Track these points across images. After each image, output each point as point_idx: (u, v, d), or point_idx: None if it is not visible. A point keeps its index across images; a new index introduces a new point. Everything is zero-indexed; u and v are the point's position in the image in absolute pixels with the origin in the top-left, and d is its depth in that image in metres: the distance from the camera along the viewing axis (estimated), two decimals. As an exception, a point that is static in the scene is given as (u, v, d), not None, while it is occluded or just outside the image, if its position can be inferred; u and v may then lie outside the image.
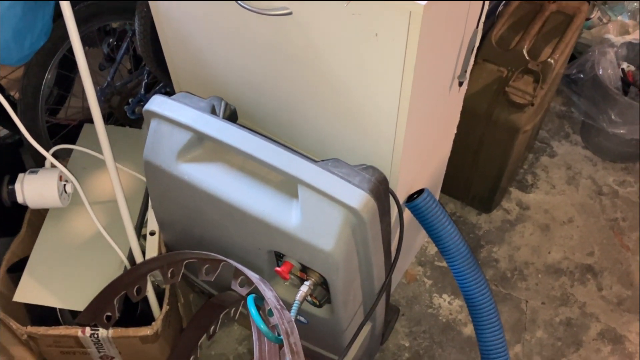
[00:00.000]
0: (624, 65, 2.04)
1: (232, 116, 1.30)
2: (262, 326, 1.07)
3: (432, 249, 1.93)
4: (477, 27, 1.18)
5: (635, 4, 2.11)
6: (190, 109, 1.17)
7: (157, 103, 1.19)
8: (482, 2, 1.14)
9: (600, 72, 1.96)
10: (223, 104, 1.27)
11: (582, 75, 2.02)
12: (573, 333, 1.75)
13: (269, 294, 1.10)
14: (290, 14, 1.06)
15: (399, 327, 1.76)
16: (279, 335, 1.09)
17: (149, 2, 1.35)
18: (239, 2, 1.08)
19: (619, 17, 2.13)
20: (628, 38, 2.07)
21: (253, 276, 1.14)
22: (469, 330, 1.76)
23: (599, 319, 1.78)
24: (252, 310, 1.08)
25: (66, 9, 1.18)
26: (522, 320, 1.78)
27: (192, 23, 1.28)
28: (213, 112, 1.21)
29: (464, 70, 1.26)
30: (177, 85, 1.52)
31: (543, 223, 1.99)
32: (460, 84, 1.29)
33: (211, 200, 1.16)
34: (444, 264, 1.89)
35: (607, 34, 2.11)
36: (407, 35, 0.95)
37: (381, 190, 1.11)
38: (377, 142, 1.19)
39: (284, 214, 1.10)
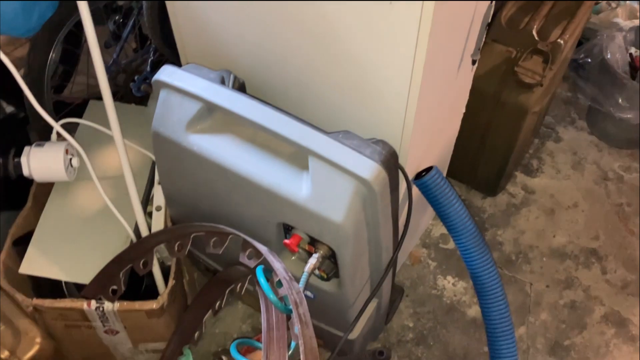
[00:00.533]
0: (632, 50, 2.03)
1: (241, 89, 1.29)
2: (272, 296, 1.07)
3: (437, 231, 1.93)
4: (490, 1, 1.17)
5: (645, -12, 2.10)
6: (200, 79, 1.17)
7: (167, 73, 1.18)
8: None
9: (609, 57, 1.95)
10: (232, 76, 1.26)
11: (589, 60, 2.02)
12: (577, 316, 1.76)
13: (277, 265, 1.10)
14: (303, -17, 1.05)
15: (403, 308, 1.76)
16: (287, 306, 1.09)
17: (158, -26, 1.34)
18: (252, -30, 1.07)
19: (628, 2, 2.12)
20: (637, 22, 2.06)
21: (262, 248, 1.14)
22: (473, 311, 1.76)
23: (603, 302, 1.79)
24: (262, 280, 1.08)
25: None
26: (527, 303, 1.78)
27: (202, -5, 1.27)
28: (222, 83, 1.20)
29: (478, 48, 1.25)
30: (185, 59, 1.51)
31: (548, 207, 1.99)
32: (474, 62, 1.28)
33: (220, 171, 1.15)
34: (448, 246, 1.89)
35: (616, 18, 2.10)
36: (422, 3, 0.94)
37: (392, 163, 1.10)
38: (387, 117, 1.18)
39: (294, 186, 1.10)
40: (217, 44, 1.36)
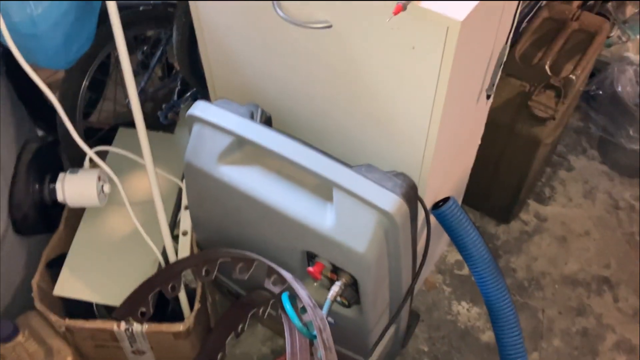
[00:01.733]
0: (643, 83, 2.08)
1: (267, 122, 1.36)
2: (297, 322, 1.12)
3: (452, 257, 1.97)
4: (506, 42, 1.24)
5: (654, 23, 2.16)
6: (231, 114, 1.24)
7: (201, 108, 1.25)
8: (512, 19, 1.19)
9: (620, 89, 2.00)
10: (260, 110, 1.33)
11: (600, 92, 2.07)
12: (589, 343, 1.79)
13: (302, 292, 1.16)
14: (330, 27, 1.12)
15: (418, 333, 1.80)
16: (310, 331, 1.14)
17: (190, 10, 1.41)
18: (281, 14, 1.14)
19: (638, 36, 2.18)
20: (646, 56, 2.11)
21: (287, 275, 1.20)
22: (486, 337, 1.80)
23: (615, 329, 1.82)
24: (288, 306, 1.13)
25: (114, 15, 1.25)
26: (539, 329, 1.82)
27: (232, 33, 1.35)
28: (251, 117, 1.27)
29: (492, 84, 1.31)
30: (213, 92, 1.59)
31: (560, 235, 2.03)
32: (488, 97, 1.35)
33: (249, 201, 1.22)
34: (463, 272, 1.94)
35: (627, 52, 2.16)
36: (444, 49, 1.01)
37: (412, 195, 1.16)
38: (407, 151, 1.24)
39: (319, 216, 1.16)
40: (245, 78, 1.43)
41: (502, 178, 1.89)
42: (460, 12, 0.96)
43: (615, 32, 2.22)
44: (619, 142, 2.02)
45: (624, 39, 2.21)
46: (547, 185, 2.17)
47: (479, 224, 2.06)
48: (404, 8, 0.95)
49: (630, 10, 2.20)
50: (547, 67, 1.66)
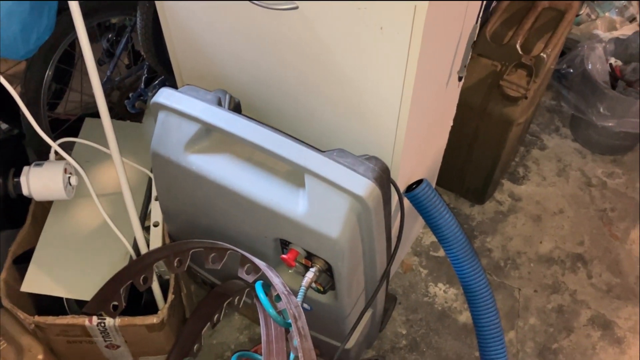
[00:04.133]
0: (612, 60, 2.10)
1: (236, 108, 1.33)
2: (271, 310, 1.10)
3: (427, 239, 1.98)
4: (476, 22, 1.23)
5: (623, 1, 2.17)
6: (197, 101, 1.20)
7: (165, 95, 1.22)
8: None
9: (590, 67, 2.01)
10: (228, 96, 1.30)
11: (571, 70, 2.08)
12: (564, 319, 1.81)
13: (276, 280, 1.14)
14: (296, 8, 1.10)
15: (396, 315, 1.80)
16: (286, 320, 1.13)
17: (154, -3, 1.37)
18: (247, -4, 1.11)
19: (607, 14, 2.19)
20: (615, 34, 2.12)
21: (260, 263, 1.18)
22: (464, 317, 1.81)
23: (589, 305, 1.84)
24: (261, 295, 1.12)
25: (74, 5, 1.21)
26: (516, 308, 1.83)
27: (197, 17, 1.31)
28: (219, 104, 1.24)
29: (464, 65, 1.30)
30: (180, 79, 1.55)
31: (534, 214, 2.05)
32: (460, 78, 1.33)
33: (219, 190, 1.19)
34: (439, 253, 1.94)
35: (596, 29, 2.16)
36: (412, 29, 0.99)
37: (384, 179, 1.15)
38: (379, 134, 1.23)
39: (291, 203, 1.14)
40: (212, 63, 1.39)
41: (475, 159, 1.89)
42: (427, -10, 0.94)
43: (585, 10, 2.22)
44: (590, 120, 2.03)
45: (592, 16, 2.22)
46: (521, 164, 2.18)
47: (454, 205, 2.06)
48: (370, -13, 0.93)
49: (599, -13, 2.21)
50: (518, 46, 1.66)
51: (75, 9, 1.20)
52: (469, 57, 1.33)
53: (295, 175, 1.15)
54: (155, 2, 1.37)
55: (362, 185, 1.09)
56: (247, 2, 1.12)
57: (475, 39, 1.28)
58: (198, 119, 1.18)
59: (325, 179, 1.10)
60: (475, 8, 1.21)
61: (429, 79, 1.17)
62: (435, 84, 1.26)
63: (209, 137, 1.21)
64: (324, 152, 1.14)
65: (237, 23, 1.23)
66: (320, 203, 1.11)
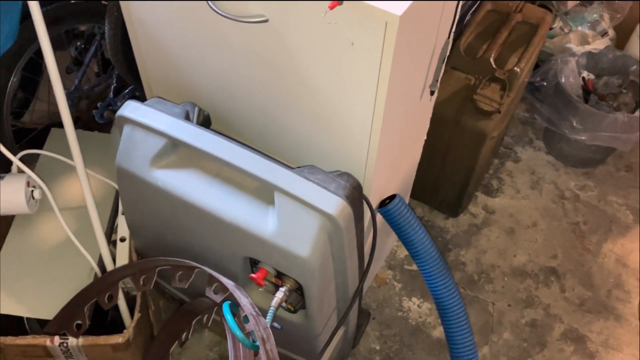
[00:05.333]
0: (585, 74, 2.11)
1: (205, 122, 1.30)
2: (239, 333, 1.07)
3: (401, 252, 1.96)
4: (448, 37, 1.21)
5: (595, 15, 2.19)
6: (164, 115, 1.17)
7: (131, 109, 1.18)
8: (454, 13, 1.17)
9: (563, 81, 2.02)
10: (197, 109, 1.26)
11: (545, 83, 2.09)
12: (538, 334, 1.81)
13: (244, 300, 1.11)
14: (266, 21, 1.07)
15: (369, 331, 1.78)
16: (254, 341, 1.09)
17: (120, 5, 1.33)
18: (215, 9, 1.08)
19: (580, 28, 2.21)
20: (588, 48, 2.14)
21: (228, 283, 1.14)
22: (438, 332, 1.79)
23: (562, 319, 1.84)
24: (228, 317, 1.08)
25: (35, 11, 1.16)
26: (490, 322, 1.82)
27: (165, 27, 1.27)
28: (187, 118, 1.21)
29: (436, 80, 1.29)
30: (149, 89, 1.51)
31: (508, 227, 2.04)
32: (432, 92, 1.32)
33: (186, 206, 1.16)
34: (413, 267, 1.92)
35: (569, 43, 2.18)
36: (383, 44, 0.97)
37: (356, 196, 1.13)
38: (351, 149, 1.20)
39: (260, 221, 1.11)
40: (181, 74, 1.36)
41: (449, 172, 1.88)
42: (398, 6, 0.92)
43: (558, 24, 2.23)
44: (563, 133, 2.03)
45: (565, 30, 2.23)
46: (495, 177, 2.18)
47: (428, 218, 2.05)
48: (340, 2, 0.91)
49: (571, 1, 2.22)
50: (491, 60, 1.65)
51: (36, 13, 1.16)
52: (442, 71, 1.31)
53: (264, 192, 1.13)
54: (123, 12, 1.34)
55: (333, 203, 1.06)
56: (217, 13, 1.09)
57: (447, 53, 1.27)
58: (164, 133, 1.15)
59: (295, 197, 1.07)
60: (447, 23, 1.19)
61: (401, 94, 1.15)
62: (408, 99, 1.24)
63: (176, 152, 1.17)
64: (294, 168, 1.12)
65: (206, 34, 1.20)
66: (290, 221, 1.08)
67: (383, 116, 1.09)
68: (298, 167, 1.13)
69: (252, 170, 1.10)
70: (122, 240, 1.49)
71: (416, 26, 1.03)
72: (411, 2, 0.93)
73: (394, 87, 1.06)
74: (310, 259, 1.08)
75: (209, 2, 1.09)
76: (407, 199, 1.81)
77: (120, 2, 1.32)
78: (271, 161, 1.11)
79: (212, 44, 1.21)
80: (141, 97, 1.92)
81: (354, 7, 0.93)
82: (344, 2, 0.92)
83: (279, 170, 1.10)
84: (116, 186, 1.58)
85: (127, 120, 1.18)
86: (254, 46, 1.14)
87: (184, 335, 1.48)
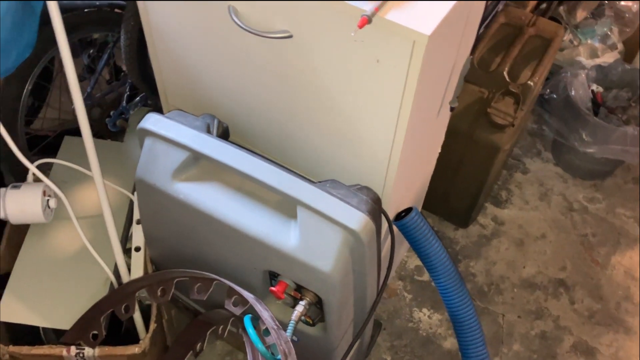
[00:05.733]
0: (594, 86, 2.12)
1: (224, 134, 1.30)
2: (261, 347, 1.07)
3: (412, 263, 1.96)
4: (470, 53, 1.22)
5: (605, 28, 2.20)
6: (186, 127, 1.17)
7: (152, 121, 1.18)
8: (476, 31, 1.17)
9: (572, 93, 2.03)
10: (216, 122, 1.27)
11: (554, 95, 2.10)
12: (548, 346, 1.81)
13: (265, 314, 1.11)
14: (290, 37, 1.08)
15: (380, 341, 1.78)
16: (274, 355, 1.09)
17: (140, 16, 1.34)
18: (240, 23, 1.09)
19: (589, 41, 2.22)
20: (597, 61, 2.15)
21: (248, 296, 1.15)
22: (448, 343, 1.79)
23: (572, 331, 1.85)
24: (250, 330, 1.08)
25: (57, 19, 1.17)
26: (500, 334, 1.83)
27: (186, 39, 1.28)
28: (208, 130, 1.21)
29: (456, 96, 1.29)
30: (165, 100, 1.51)
31: (517, 238, 2.05)
32: (452, 109, 1.33)
33: (207, 219, 1.16)
34: (423, 278, 1.93)
35: (578, 56, 2.19)
36: (409, 63, 0.98)
37: (377, 210, 1.13)
38: (371, 164, 1.21)
39: (282, 235, 1.11)
40: (199, 86, 1.36)
41: (461, 183, 1.88)
42: (427, 25, 0.93)
43: (567, 37, 2.25)
44: (573, 145, 2.04)
45: (575, 42, 2.24)
46: (504, 188, 2.19)
47: (438, 228, 2.06)
48: (369, 21, 0.91)
49: (581, 14, 2.24)
50: (505, 74, 1.66)
51: (57, 22, 1.16)
52: (462, 87, 1.32)
53: (286, 206, 1.13)
54: (143, 23, 1.34)
55: (356, 218, 1.06)
56: (238, 27, 1.09)
57: (468, 70, 1.28)
58: (187, 146, 1.15)
59: (318, 212, 1.08)
60: (469, 40, 1.20)
61: (423, 110, 1.16)
62: (429, 115, 1.25)
63: (198, 165, 1.18)
64: (317, 183, 1.12)
65: (228, 47, 1.20)
66: (313, 236, 1.09)
67: (405, 132, 1.10)
68: (320, 182, 1.13)
69: (275, 184, 1.10)
70: (137, 249, 1.49)
71: (442, 44, 1.04)
72: (440, 21, 0.93)
73: (418, 104, 1.07)
74: (332, 273, 1.09)
75: (233, 16, 1.10)
76: (419, 209, 1.82)
77: (140, 11, 1.32)
78: (294, 175, 1.11)
79: (233, 57, 1.21)
80: (153, 106, 1.93)
81: (382, 25, 0.94)
82: (373, 19, 0.92)
83: (302, 185, 1.10)
84: (130, 195, 1.58)
85: (148, 133, 1.18)
86: (276, 61, 1.15)
87: (198, 346, 1.48)
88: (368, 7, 0.93)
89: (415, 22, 0.93)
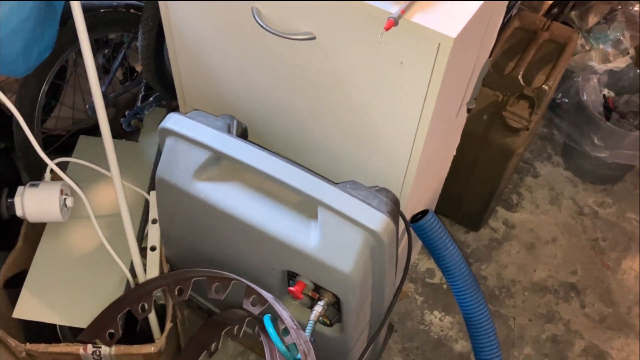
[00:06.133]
0: (605, 91, 2.13)
1: (243, 134, 1.31)
2: (281, 346, 1.08)
3: (423, 265, 1.97)
4: (489, 56, 1.23)
5: (617, 33, 2.21)
6: (207, 127, 1.18)
7: (174, 121, 1.19)
8: (496, 33, 1.18)
9: (584, 98, 2.04)
10: (235, 122, 1.27)
11: (566, 100, 2.10)
12: (559, 350, 1.81)
13: (284, 313, 1.11)
14: (314, 38, 1.08)
15: (392, 344, 1.78)
16: (293, 354, 1.10)
17: (162, 17, 1.35)
18: (263, 25, 1.09)
19: (601, 46, 2.23)
20: (610, 66, 2.16)
21: (267, 295, 1.15)
22: (460, 346, 1.80)
23: (583, 335, 1.85)
24: (271, 330, 1.09)
25: (79, 20, 1.18)
26: (511, 337, 1.83)
27: (206, 40, 1.28)
28: (229, 131, 1.22)
29: (474, 98, 1.30)
30: (182, 100, 1.52)
31: (528, 242, 2.05)
32: (469, 110, 1.33)
33: (227, 219, 1.16)
34: (434, 280, 1.93)
35: (591, 61, 2.20)
36: (434, 65, 0.98)
37: (396, 212, 1.14)
38: (390, 165, 1.21)
39: (302, 235, 1.11)
40: (219, 87, 1.37)
41: (473, 187, 1.89)
42: (453, 27, 0.93)
43: (579, 41, 2.25)
44: (584, 150, 2.05)
45: (587, 47, 2.25)
46: (515, 191, 2.19)
47: (449, 231, 2.06)
48: (396, 23, 0.92)
49: (592, 19, 2.25)
50: (520, 77, 1.66)
51: (80, 23, 1.17)
52: (479, 89, 1.33)
53: (306, 207, 1.13)
54: (163, 22, 1.35)
55: (377, 219, 1.07)
56: (261, 28, 1.10)
57: (486, 72, 1.28)
58: (208, 146, 1.15)
59: (339, 212, 1.08)
60: (489, 43, 1.21)
61: (444, 112, 1.17)
62: (448, 116, 1.26)
63: (219, 165, 1.18)
64: (337, 184, 1.13)
65: (249, 49, 1.21)
66: (333, 236, 1.09)
67: (426, 134, 1.10)
68: (340, 183, 1.14)
69: (296, 185, 1.10)
70: (153, 249, 1.50)
71: (465, 46, 1.05)
72: (465, 23, 0.94)
73: (439, 106, 1.07)
74: (352, 274, 1.09)
75: (256, 17, 1.10)
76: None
77: (161, 12, 1.33)
78: (315, 176, 1.12)
79: (254, 58, 1.22)
80: (167, 106, 1.94)
81: (408, 27, 0.95)
82: (399, 22, 0.93)
83: (323, 186, 1.11)
84: (145, 195, 1.59)
85: (170, 132, 1.19)
86: (298, 63, 1.15)
87: (213, 346, 1.48)
88: (394, 9, 0.94)
89: (440, 24, 0.93)
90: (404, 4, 0.95)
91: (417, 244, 1.87)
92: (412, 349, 1.78)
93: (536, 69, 1.72)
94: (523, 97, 1.65)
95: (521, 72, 1.67)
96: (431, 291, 1.91)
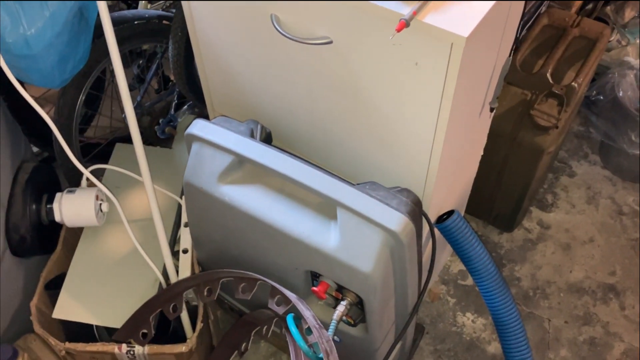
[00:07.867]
0: (643, 87, 2.07)
1: (267, 139, 1.34)
2: (304, 345, 1.10)
3: (455, 267, 1.95)
4: (509, 55, 1.22)
5: (654, 27, 2.15)
6: (231, 133, 1.21)
7: (199, 127, 1.23)
8: (516, 31, 1.17)
9: (621, 94, 1.99)
10: (259, 127, 1.31)
11: (601, 97, 2.06)
12: (597, 352, 1.77)
13: (307, 313, 1.13)
14: (330, 42, 1.10)
15: (423, 345, 1.78)
16: (316, 354, 1.12)
17: (188, 28, 1.39)
18: (281, 31, 1.12)
19: (638, 41, 2.17)
20: (647, 61, 2.10)
21: (291, 295, 1.17)
22: (492, 348, 1.78)
23: (623, 338, 1.80)
24: (293, 329, 1.11)
25: (109, 32, 1.23)
26: (546, 339, 1.80)
27: (230, 49, 1.32)
28: (252, 135, 1.25)
29: (496, 97, 1.29)
30: (211, 107, 1.56)
31: (564, 242, 2.01)
32: (492, 109, 1.33)
33: (251, 221, 1.19)
34: (467, 282, 1.92)
35: (627, 56, 2.14)
36: (448, 65, 0.99)
37: (417, 212, 1.14)
38: (411, 166, 1.22)
39: (323, 235, 1.13)
40: (244, 94, 1.41)
41: (505, 187, 1.87)
42: (465, 27, 0.94)
43: (615, 36, 2.20)
44: (621, 147, 2.00)
45: (623, 42, 2.19)
46: (550, 191, 2.15)
47: (482, 233, 2.04)
48: (407, 24, 0.93)
49: (629, 14, 2.19)
50: (548, 75, 1.64)
51: (110, 35, 1.22)
52: (501, 88, 1.32)
53: (326, 208, 1.15)
54: (190, 35, 1.39)
55: (396, 219, 1.08)
56: (281, 35, 1.13)
57: (507, 70, 1.28)
58: (232, 150, 1.19)
59: (358, 213, 1.10)
60: (509, 41, 1.20)
61: (462, 112, 1.17)
62: (469, 116, 1.25)
63: (242, 168, 1.22)
64: (356, 185, 1.14)
65: (270, 55, 1.24)
66: (353, 237, 1.11)
67: (445, 134, 1.11)
68: (359, 184, 1.15)
69: (316, 187, 1.12)
70: (185, 252, 1.54)
71: (480, 46, 1.05)
72: (477, 23, 0.94)
73: (457, 105, 1.08)
74: (373, 274, 1.10)
75: (275, 24, 1.13)
76: (462, 214, 1.81)
77: (187, 22, 1.38)
78: (334, 177, 1.14)
79: (275, 64, 1.25)
80: (199, 113, 1.99)
81: (420, 28, 0.96)
82: (411, 23, 0.94)
83: (342, 187, 1.12)
84: (178, 199, 1.64)
85: (195, 138, 1.23)
86: (317, 67, 1.18)
87: (243, 346, 1.51)
88: (406, 10, 0.95)
89: (452, 24, 0.94)
90: (416, 5, 0.96)
91: (449, 246, 1.86)
92: (444, 351, 1.77)
93: (566, 67, 1.70)
94: (552, 95, 1.63)
95: (550, 70, 1.65)
96: (463, 293, 1.90)
